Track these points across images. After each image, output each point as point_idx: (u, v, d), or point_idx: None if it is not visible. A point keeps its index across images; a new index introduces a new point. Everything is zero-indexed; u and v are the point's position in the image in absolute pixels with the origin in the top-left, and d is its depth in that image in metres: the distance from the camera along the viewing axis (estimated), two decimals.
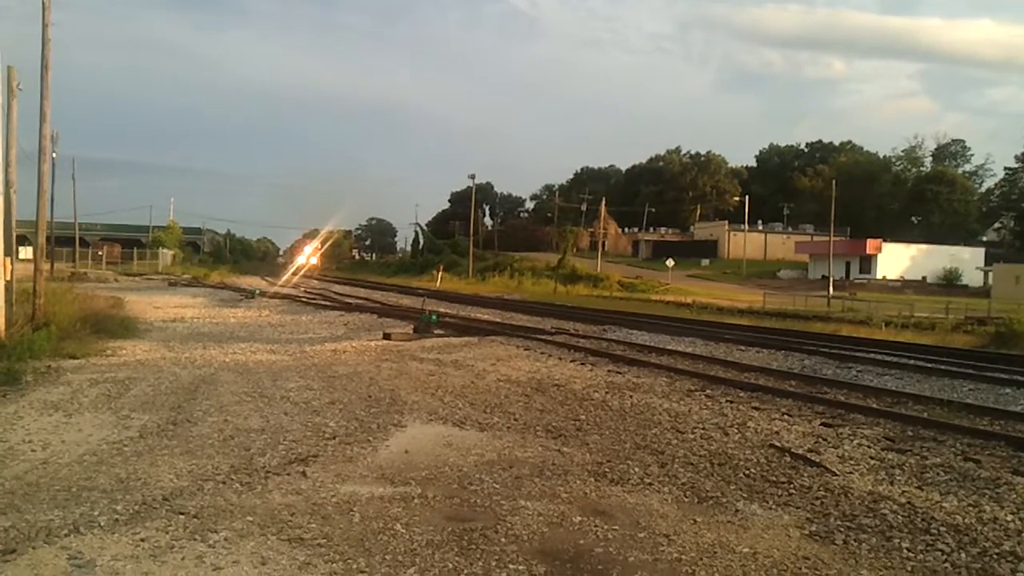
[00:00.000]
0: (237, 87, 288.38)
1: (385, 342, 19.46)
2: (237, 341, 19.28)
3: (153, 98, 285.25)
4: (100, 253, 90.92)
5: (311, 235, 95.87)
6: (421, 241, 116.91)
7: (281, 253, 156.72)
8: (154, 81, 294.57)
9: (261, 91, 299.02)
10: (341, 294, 44.47)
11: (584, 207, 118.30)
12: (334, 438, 8.93)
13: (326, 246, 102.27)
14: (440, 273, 69.16)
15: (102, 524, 5.87)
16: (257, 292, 41.82)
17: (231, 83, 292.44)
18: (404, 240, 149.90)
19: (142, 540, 5.57)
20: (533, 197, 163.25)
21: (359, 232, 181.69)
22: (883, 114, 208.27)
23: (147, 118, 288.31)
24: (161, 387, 12.04)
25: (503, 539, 5.91)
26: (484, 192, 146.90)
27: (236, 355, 16.36)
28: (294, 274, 69.75)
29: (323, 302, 36.38)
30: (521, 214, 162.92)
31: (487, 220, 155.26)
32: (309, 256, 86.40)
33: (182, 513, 6.17)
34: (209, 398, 11.26)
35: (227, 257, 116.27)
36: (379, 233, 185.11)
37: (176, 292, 44.79)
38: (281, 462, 7.82)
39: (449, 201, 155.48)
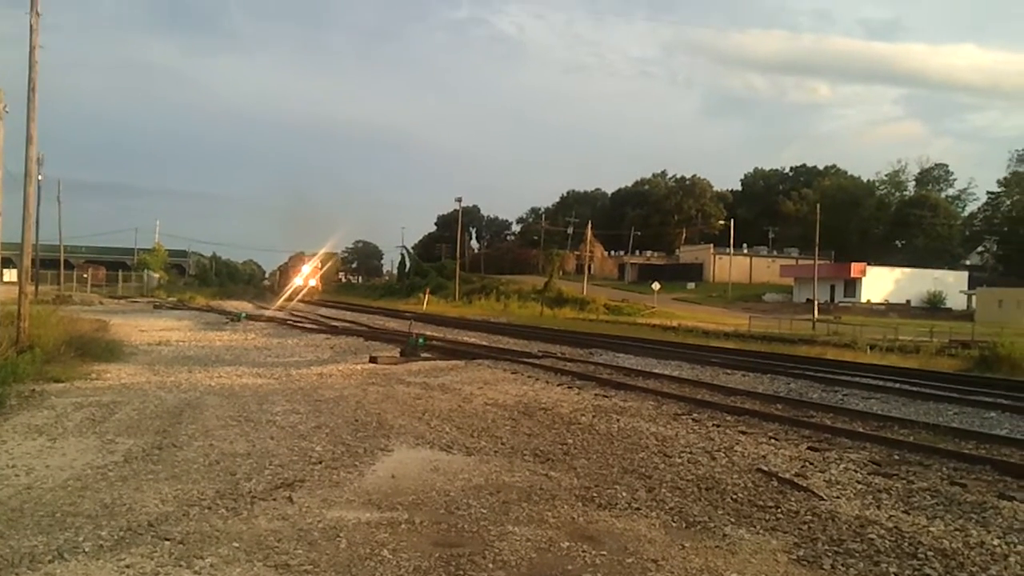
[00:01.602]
0: (224, 109, 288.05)
1: (372, 365, 19.43)
2: (223, 364, 19.22)
3: (140, 120, 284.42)
4: (85, 276, 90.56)
5: (299, 257, 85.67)
6: (408, 264, 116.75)
7: (267, 276, 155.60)
8: (141, 104, 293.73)
9: (248, 113, 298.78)
10: (327, 317, 44.38)
11: (570, 230, 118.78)
12: (320, 463, 8.89)
13: (326, 267, 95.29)
14: (427, 296, 69.18)
15: (86, 550, 5.82)
16: (243, 315, 41.62)
17: (219, 105, 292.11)
18: (391, 263, 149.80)
19: (127, 566, 5.53)
20: (519, 220, 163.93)
21: (345, 255, 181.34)
22: (867, 138, 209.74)
23: (134, 140, 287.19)
24: (146, 411, 11.98)
25: (491, 564, 5.88)
26: (470, 215, 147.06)
27: (222, 379, 16.30)
28: (289, 299, 65.50)
29: (309, 325, 36.32)
30: (507, 237, 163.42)
31: (473, 243, 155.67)
32: (308, 277, 79.10)
33: (167, 539, 6.12)
34: (194, 422, 11.20)
35: (213, 280, 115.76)
36: (365, 256, 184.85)
37: (161, 315, 44.65)
38: (267, 487, 7.77)
39: (435, 224, 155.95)
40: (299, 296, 69.01)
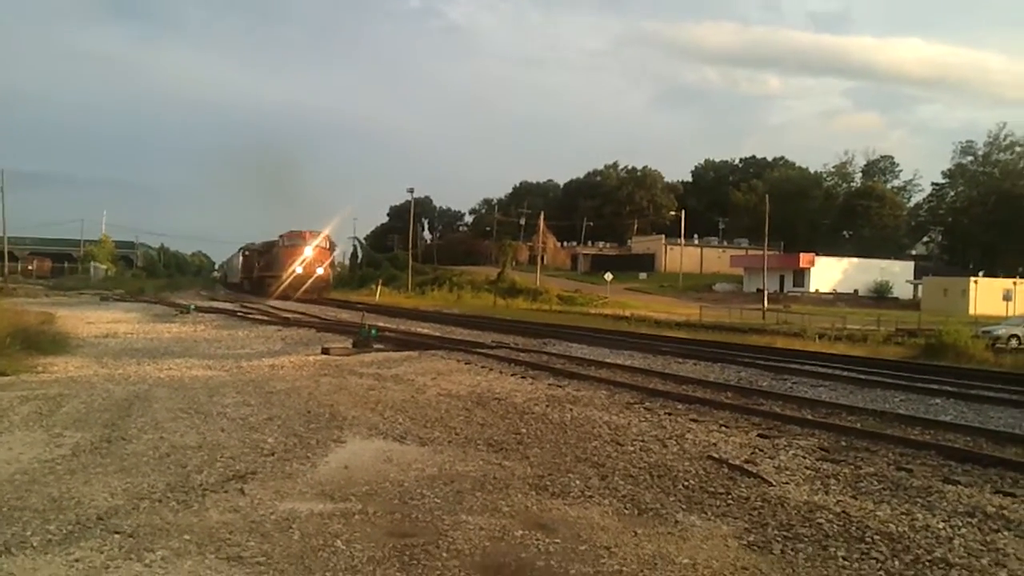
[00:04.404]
0: (174, 99, 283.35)
1: (324, 357, 19.29)
2: (172, 356, 18.97)
3: (86, 109, 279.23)
4: (30, 268, 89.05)
5: (297, 235, 62.65)
6: (360, 255, 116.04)
7: (217, 267, 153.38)
8: (89, 93, 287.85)
9: (198, 103, 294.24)
10: (278, 308, 43.85)
11: (523, 221, 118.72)
12: (272, 454, 8.82)
13: (335, 253, 76.44)
14: (379, 287, 68.66)
15: (35, 544, 5.74)
16: (193, 307, 41.06)
17: (168, 95, 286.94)
18: (343, 254, 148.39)
19: (76, 560, 5.46)
20: (472, 211, 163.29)
21: None
22: (818, 130, 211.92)
23: (80, 129, 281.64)
24: (94, 404, 11.79)
25: (445, 554, 5.89)
26: (423, 206, 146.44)
27: (171, 371, 16.08)
28: (284, 295, 55.09)
29: (259, 316, 35.94)
30: (460, 228, 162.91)
31: (426, 234, 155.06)
32: (310, 264, 60.46)
33: (117, 532, 6.05)
34: (144, 415, 11.05)
35: (161, 272, 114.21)
36: None
37: (108, 307, 43.97)
38: (219, 479, 7.70)
39: (388, 215, 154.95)
40: (302, 290, 57.48)
